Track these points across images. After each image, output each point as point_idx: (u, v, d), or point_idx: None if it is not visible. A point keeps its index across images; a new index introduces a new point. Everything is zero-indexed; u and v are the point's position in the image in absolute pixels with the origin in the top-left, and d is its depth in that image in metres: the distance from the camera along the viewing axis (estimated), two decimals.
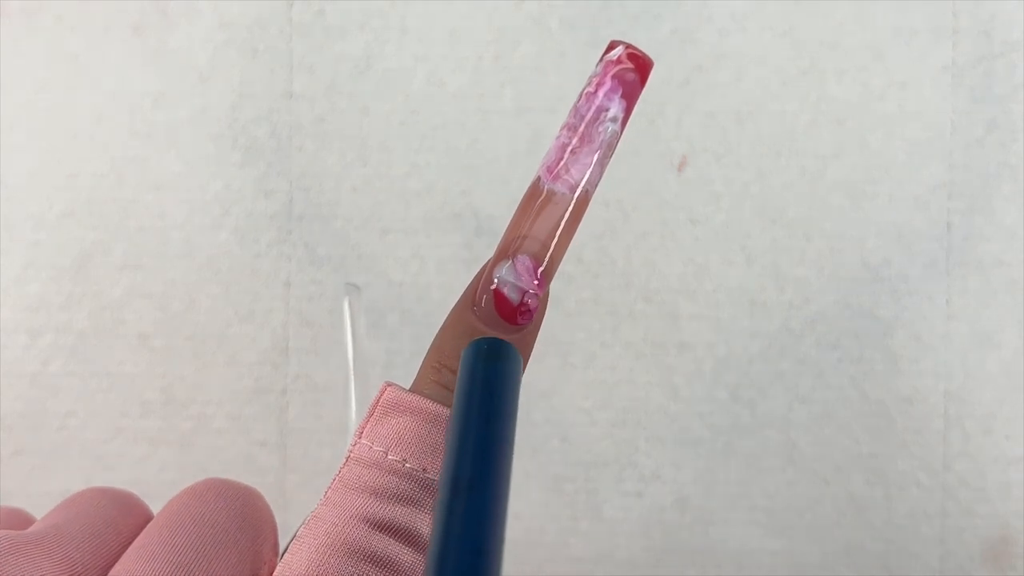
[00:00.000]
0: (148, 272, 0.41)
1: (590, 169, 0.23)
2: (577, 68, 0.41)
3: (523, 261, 0.22)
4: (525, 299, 0.22)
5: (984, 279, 0.42)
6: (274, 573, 0.21)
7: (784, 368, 0.42)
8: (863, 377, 0.42)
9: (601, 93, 0.23)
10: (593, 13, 0.41)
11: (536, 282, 0.22)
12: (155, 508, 0.41)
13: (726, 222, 0.42)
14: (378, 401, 0.22)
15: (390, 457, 0.21)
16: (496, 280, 0.22)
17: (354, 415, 0.37)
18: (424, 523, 0.21)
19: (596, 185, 0.23)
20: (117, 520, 0.24)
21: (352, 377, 0.37)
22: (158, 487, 0.42)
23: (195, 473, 0.41)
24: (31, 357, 0.41)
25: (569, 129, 0.23)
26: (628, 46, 0.23)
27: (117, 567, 0.22)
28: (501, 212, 0.41)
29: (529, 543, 0.42)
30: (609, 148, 0.23)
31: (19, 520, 0.26)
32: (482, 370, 0.20)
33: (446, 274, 0.41)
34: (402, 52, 0.41)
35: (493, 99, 0.41)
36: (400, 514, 0.20)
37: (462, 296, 0.23)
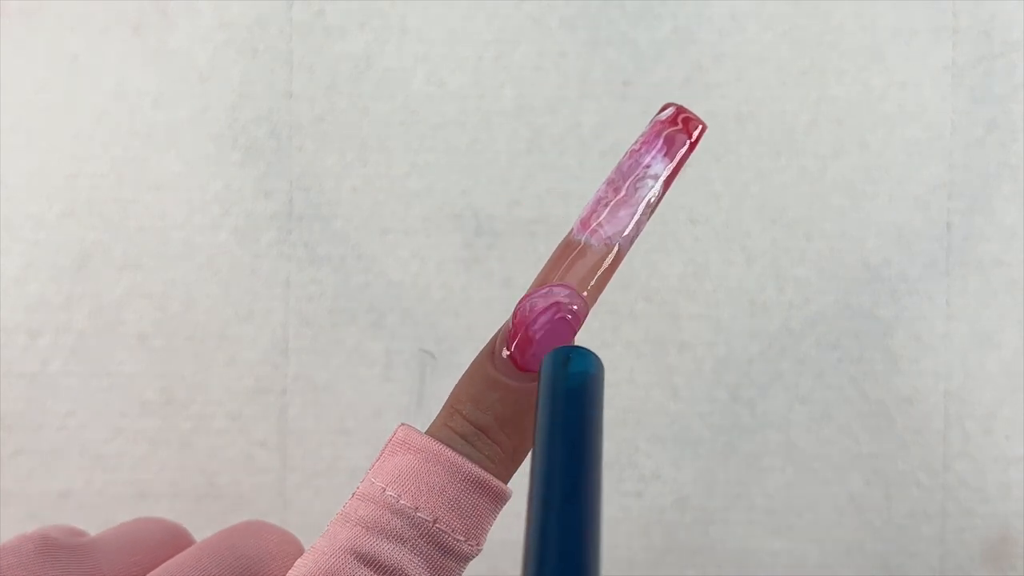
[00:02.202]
0: (148, 272, 0.41)
1: (627, 225, 0.23)
2: (577, 68, 0.41)
3: (556, 289, 0.22)
4: (560, 312, 0.22)
5: (984, 279, 0.42)
6: None
7: (784, 368, 0.42)
8: (863, 377, 0.42)
9: (644, 150, 0.23)
10: (593, 13, 0.41)
11: (578, 298, 0.22)
12: (153, 509, 0.40)
13: (726, 222, 0.42)
14: (390, 440, 0.22)
15: (387, 493, 0.21)
16: (520, 306, 0.22)
17: None
18: (411, 563, 0.20)
19: (632, 241, 0.23)
20: (158, 545, 0.25)
21: None
22: (158, 487, 0.42)
23: (195, 473, 0.41)
24: (31, 357, 0.41)
25: (609, 184, 0.23)
26: (680, 108, 0.23)
27: None
28: (501, 212, 0.41)
29: None
30: (648, 206, 0.23)
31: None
32: (564, 379, 0.20)
33: (446, 274, 0.41)
34: (402, 52, 0.41)
35: (493, 99, 0.41)
36: (388, 551, 0.20)
37: (484, 347, 0.23)
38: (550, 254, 0.23)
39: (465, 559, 0.21)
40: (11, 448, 0.41)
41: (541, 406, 0.19)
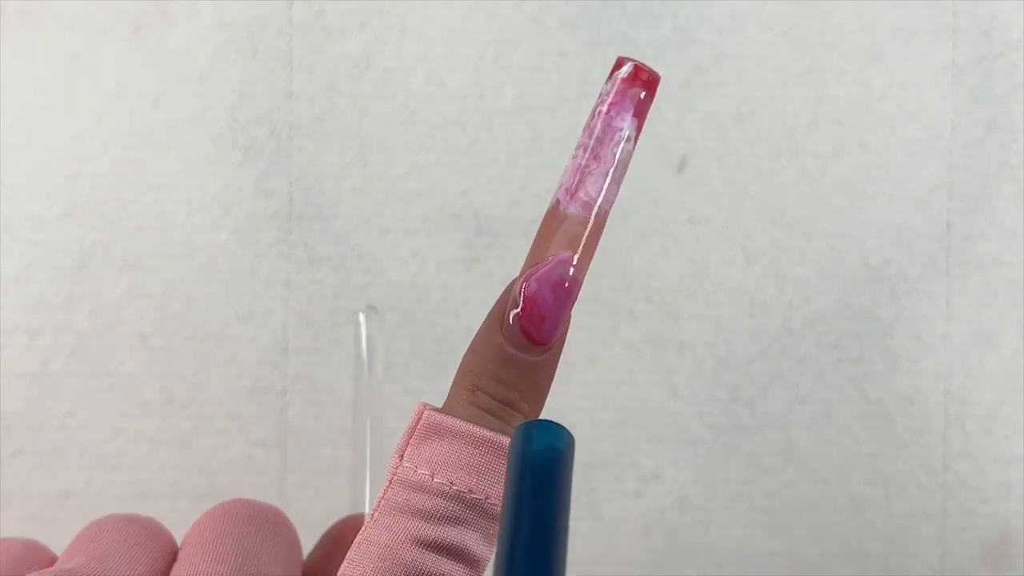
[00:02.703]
0: (148, 272, 0.41)
1: (607, 189, 0.23)
2: (577, 68, 0.41)
3: (550, 257, 0.23)
4: (565, 282, 0.23)
5: (984, 279, 0.42)
6: None
7: (784, 368, 0.42)
8: (863, 377, 0.42)
9: (613, 112, 0.24)
10: (593, 13, 0.41)
11: (573, 265, 0.23)
12: (153, 509, 0.40)
13: (726, 222, 0.42)
14: (417, 424, 0.23)
15: (436, 480, 0.22)
16: (524, 284, 0.23)
17: (369, 449, 0.36)
18: (471, 539, 0.22)
19: (612, 204, 0.23)
20: (148, 548, 0.25)
21: (367, 408, 0.36)
22: (158, 487, 0.42)
23: (195, 473, 0.41)
24: (31, 357, 0.41)
25: (583, 149, 0.24)
26: (636, 63, 0.24)
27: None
28: (501, 212, 0.41)
29: None
30: (623, 166, 0.24)
31: (36, 553, 0.26)
32: (529, 455, 0.20)
33: (446, 274, 0.41)
34: (402, 52, 0.41)
35: (493, 99, 0.41)
36: (450, 533, 0.22)
37: (488, 316, 0.24)
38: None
39: None
40: (11, 448, 0.41)
41: (507, 480, 0.20)
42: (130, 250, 0.41)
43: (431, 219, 0.41)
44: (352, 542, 0.24)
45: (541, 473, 0.19)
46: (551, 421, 0.21)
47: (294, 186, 0.42)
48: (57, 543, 0.42)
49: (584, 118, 0.44)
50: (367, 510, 0.34)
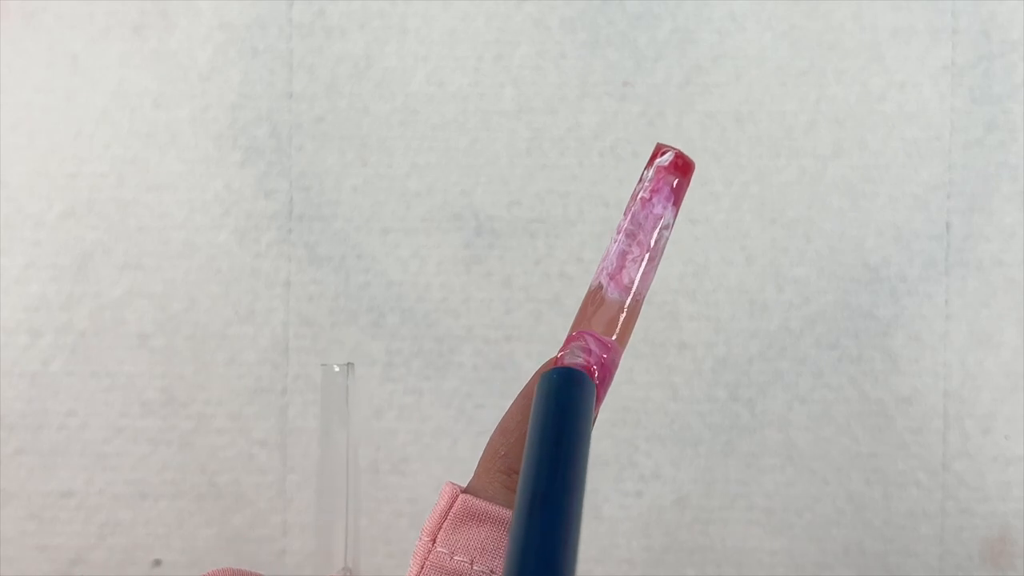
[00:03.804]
0: (148, 272, 0.41)
1: (646, 275, 0.25)
2: (577, 69, 0.41)
3: (591, 337, 0.24)
4: (593, 367, 0.23)
5: (983, 279, 0.42)
6: None
7: (784, 368, 0.42)
8: (863, 377, 0.42)
9: (655, 200, 0.25)
10: (593, 13, 0.41)
11: (608, 347, 0.23)
12: (153, 509, 0.40)
13: (726, 222, 0.42)
14: (451, 507, 0.23)
15: (476, 568, 0.22)
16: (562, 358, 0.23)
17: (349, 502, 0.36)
18: None
19: (649, 288, 0.25)
20: None
21: (348, 461, 0.36)
22: (158, 487, 0.42)
23: (195, 473, 0.41)
24: (31, 357, 0.41)
25: (627, 236, 0.25)
26: (676, 152, 0.25)
27: None
28: (501, 212, 0.41)
29: None
30: (661, 252, 0.25)
31: None
32: (555, 397, 0.21)
33: (446, 274, 0.41)
34: (402, 52, 0.41)
35: (493, 99, 0.41)
36: None
37: (519, 396, 0.24)
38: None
39: None
40: (11, 448, 0.41)
41: (532, 421, 0.21)
42: (130, 250, 0.41)
43: (431, 219, 0.41)
44: None
45: (563, 386, 0.21)
46: (570, 368, 0.22)
47: (294, 186, 0.42)
48: (57, 542, 0.43)
49: (584, 119, 0.44)
50: (340, 568, 0.34)
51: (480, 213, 0.41)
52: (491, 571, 0.22)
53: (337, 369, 0.37)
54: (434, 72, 0.41)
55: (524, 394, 0.24)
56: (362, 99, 0.41)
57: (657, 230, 0.24)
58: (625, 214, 0.25)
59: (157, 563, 0.41)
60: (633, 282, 0.24)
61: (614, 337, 0.24)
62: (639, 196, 0.25)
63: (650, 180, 0.25)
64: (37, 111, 0.41)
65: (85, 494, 0.41)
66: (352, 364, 0.38)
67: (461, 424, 0.41)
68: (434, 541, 0.22)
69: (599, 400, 0.23)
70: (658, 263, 0.25)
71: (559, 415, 0.21)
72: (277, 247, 0.42)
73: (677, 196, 0.25)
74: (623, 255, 0.24)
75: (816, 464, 0.42)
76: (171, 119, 0.41)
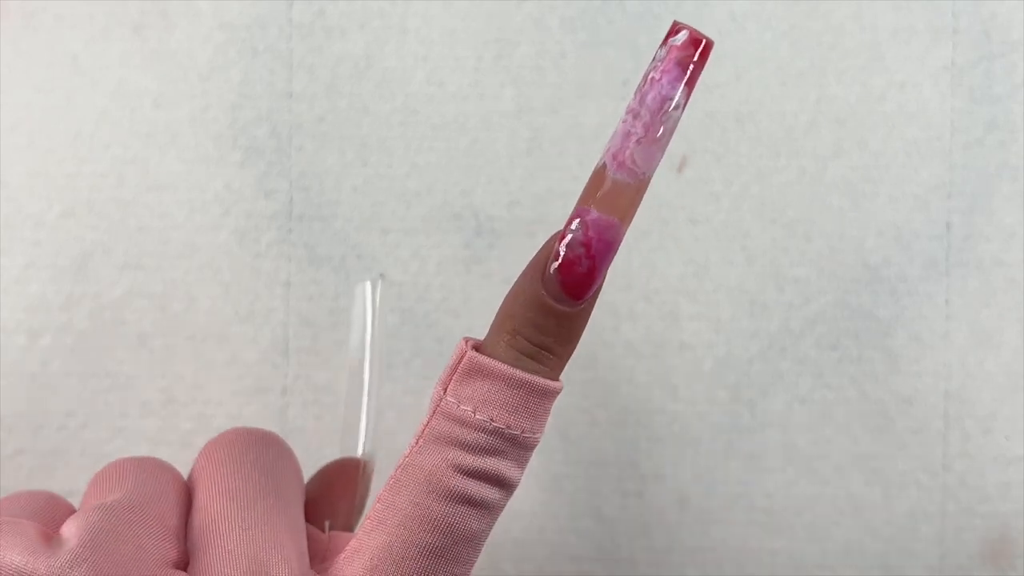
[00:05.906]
0: (148, 272, 0.41)
1: (653, 156, 0.24)
2: (577, 68, 0.41)
3: (592, 217, 0.24)
4: (603, 244, 0.24)
5: (984, 279, 0.42)
6: (375, 508, 0.24)
7: (784, 368, 0.42)
8: (863, 377, 0.42)
9: (665, 80, 0.24)
10: (593, 13, 0.41)
11: (607, 225, 0.24)
12: None
13: (726, 222, 0.42)
14: (460, 362, 0.25)
15: (478, 416, 0.24)
16: (565, 242, 0.24)
17: (366, 398, 0.36)
18: (507, 466, 0.24)
19: (655, 169, 0.25)
20: (169, 479, 0.28)
21: (368, 358, 0.36)
22: None
23: None
24: (31, 357, 0.41)
25: (633, 115, 0.24)
26: (691, 30, 0.25)
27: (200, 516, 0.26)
28: (501, 212, 0.41)
29: (529, 542, 0.42)
30: (670, 134, 0.24)
31: (56, 505, 0.28)
32: None
33: (446, 274, 0.42)
34: (402, 52, 0.41)
35: (493, 99, 0.41)
36: (488, 463, 0.24)
37: (532, 262, 0.25)
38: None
39: (536, 445, 0.26)
40: (11, 448, 0.41)
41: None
42: (130, 250, 0.41)
43: (431, 219, 0.41)
44: (341, 484, 0.29)
45: None
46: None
47: (294, 186, 0.42)
48: None
49: (584, 119, 0.44)
50: (360, 453, 0.35)
51: (480, 213, 0.41)
52: (490, 419, 0.24)
53: (370, 287, 0.37)
54: (434, 72, 0.41)
55: (535, 261, 0.25)
56: (362, 99, 0.41)
57: (667, 113, 0.24)
58: (635, 94, 0.24)
59: None
60: (635, 162, 0.24)
61: (615, 217, 0.24)
62: (649, 75, 0.24)
63: (661, 59, 0.25)
64: (37, 111, 0.41)
65: None
66: (383, 275, 0.38)
67: None
68: (445, 391, 0.25)
69: (599, 279, 0.25)
70: (666, 144, 0.24)
71: None
72: (277, 247, 0.42)
73: (690, 76, 0.24)
74: (627, 135, 0.24)
75: (816, 464, 0.42)
76: (171, 119, 0.41)
